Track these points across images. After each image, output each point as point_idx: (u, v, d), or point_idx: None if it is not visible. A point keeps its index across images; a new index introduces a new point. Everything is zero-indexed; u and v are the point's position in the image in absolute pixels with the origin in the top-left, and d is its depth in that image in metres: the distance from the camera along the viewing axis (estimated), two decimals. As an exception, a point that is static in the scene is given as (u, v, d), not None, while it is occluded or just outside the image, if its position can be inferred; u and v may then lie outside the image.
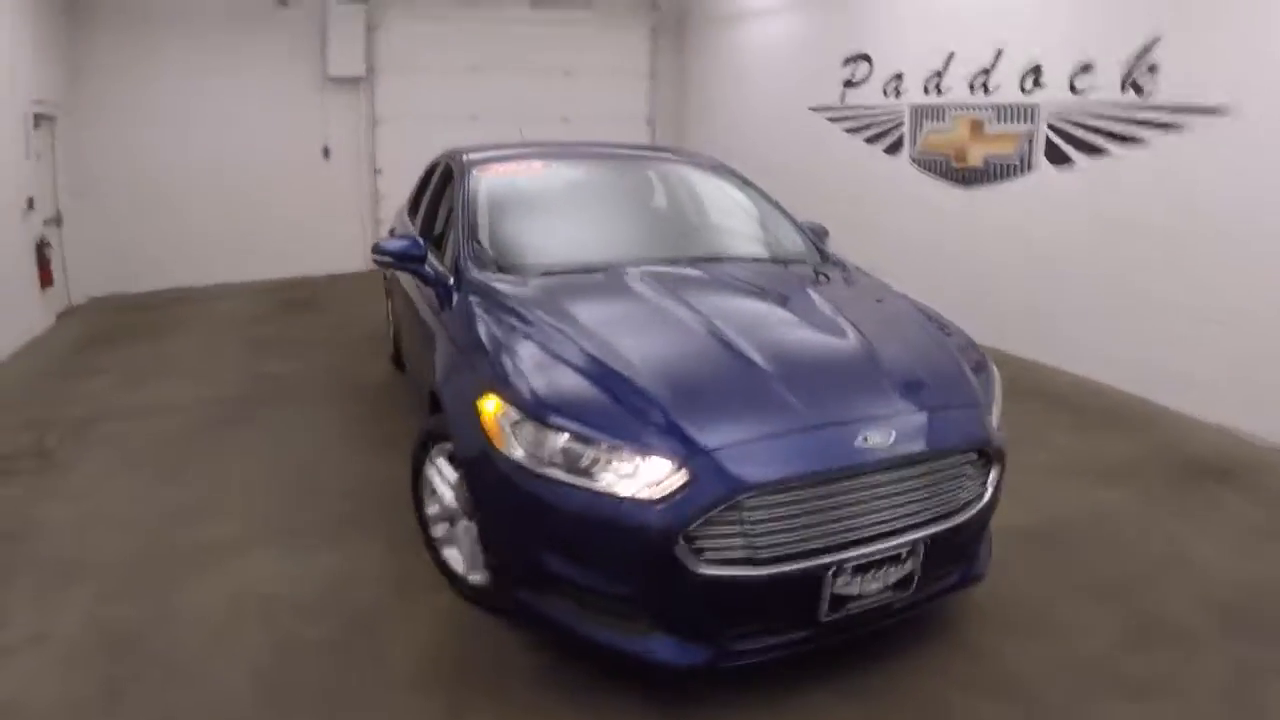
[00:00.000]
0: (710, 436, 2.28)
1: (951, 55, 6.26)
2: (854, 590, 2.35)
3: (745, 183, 4.29)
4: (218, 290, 8.38)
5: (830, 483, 2.31)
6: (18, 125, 6.57)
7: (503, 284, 3.20)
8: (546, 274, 3.29)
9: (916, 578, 2.46)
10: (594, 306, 2.99)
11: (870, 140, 7.19)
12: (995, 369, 3.04)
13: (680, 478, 2.22)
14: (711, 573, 2.20)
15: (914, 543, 2.41)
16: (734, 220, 4.13)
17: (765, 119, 8.73)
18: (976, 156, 6.16)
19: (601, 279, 3.25)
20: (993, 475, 2.66)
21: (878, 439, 2.38)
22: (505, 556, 2.55)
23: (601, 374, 2.49)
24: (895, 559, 2.39)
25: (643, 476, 2.24)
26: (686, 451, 2.25)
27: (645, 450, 2.26)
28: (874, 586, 2.38)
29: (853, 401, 2.51)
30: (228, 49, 8.38)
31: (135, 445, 4.59)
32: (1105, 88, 5.17)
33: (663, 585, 2.24)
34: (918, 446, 2.44)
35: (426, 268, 3.63)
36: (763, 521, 2.25)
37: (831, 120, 7.62)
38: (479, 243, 3.51)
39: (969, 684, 2.63)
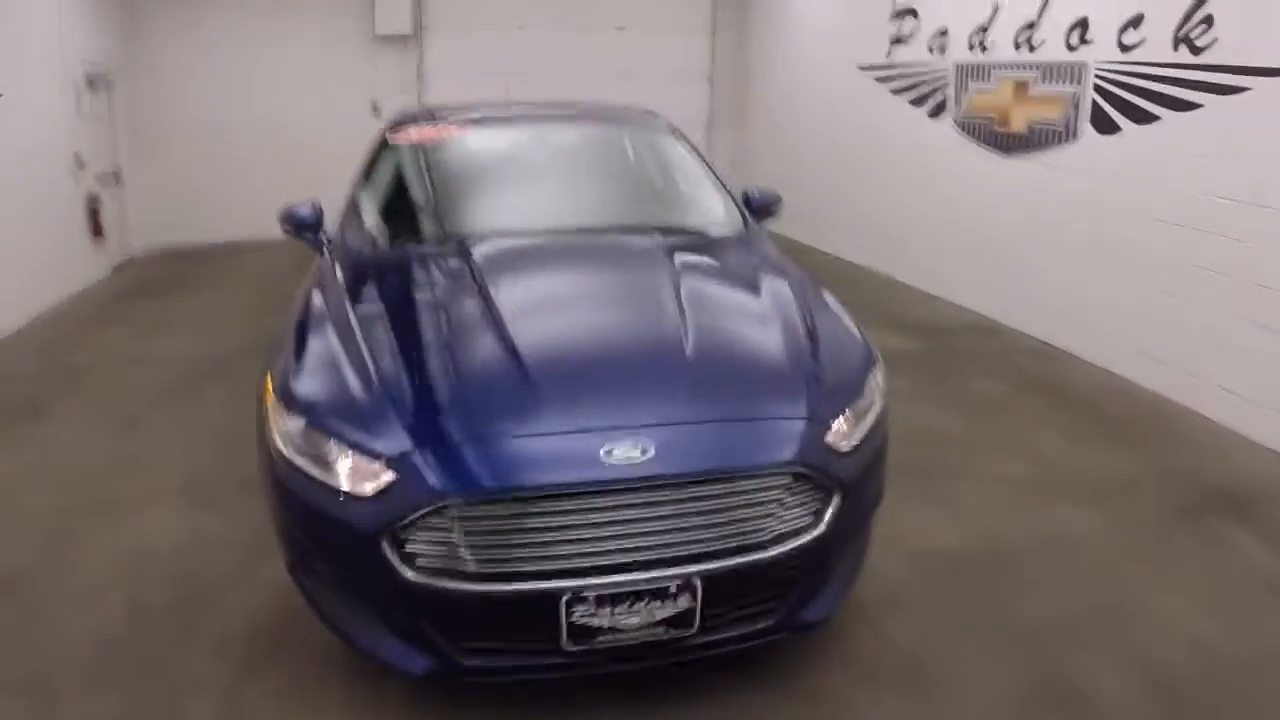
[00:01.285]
0: (424, 436, 2.09)
1: (997, 7, 5.59)
2: (602, 623, 2.04)
3: (690, 148, 3.95)
4: (268, 244, 8.60)
5: (560, 499, 2.03)
6: (68, 87, 6.92)
7: (353, 256, 3.13)
8: (402, 246, 3.22)
9: (698, 617, 2.11)
10: (401, 286, 2.90)
11: (915, 102, 6.58)
12: (877, 382, 2.55)
13: (388, 476, 2.04)
14: (421, 580, 2.01)
15: (685, 577, 2.06)
16: (654, 187, 3.81)
17: (815, 78, 8.22)
18: (1020, 121, 5.49)
19: (441, 253, 3.12)
20: (833, 506, 2.22)
21: (625, 453, 2.04)
22: (279, 535, 2.43)
23: (351, 363, 2.34)
24: (661, 593, 2.05)
25: (358, 472, 2.08)
26: (397, 450, 2.07)
27: (360, 445, 2.10)
28: (633, 621, 2.05)
29: (610, 408, 2.20)
30: (279, 8, 8.56)
31: (116, 396, 4.76)
32: (1156, 44, 4.44)
33: (377, 587, 2.09)
34: (687, 465, 2.09)
35: (320, 235, 3.48)
36: (479, 534, 2.01)
37: (879, 80, 7.02)
38: (357, 211, 3.40)
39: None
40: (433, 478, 2.01)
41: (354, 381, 2.27)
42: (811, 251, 8.17)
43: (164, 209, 8.49)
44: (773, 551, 2.13)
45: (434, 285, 2.89)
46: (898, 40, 6.74)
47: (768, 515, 2.15)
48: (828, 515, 2.21)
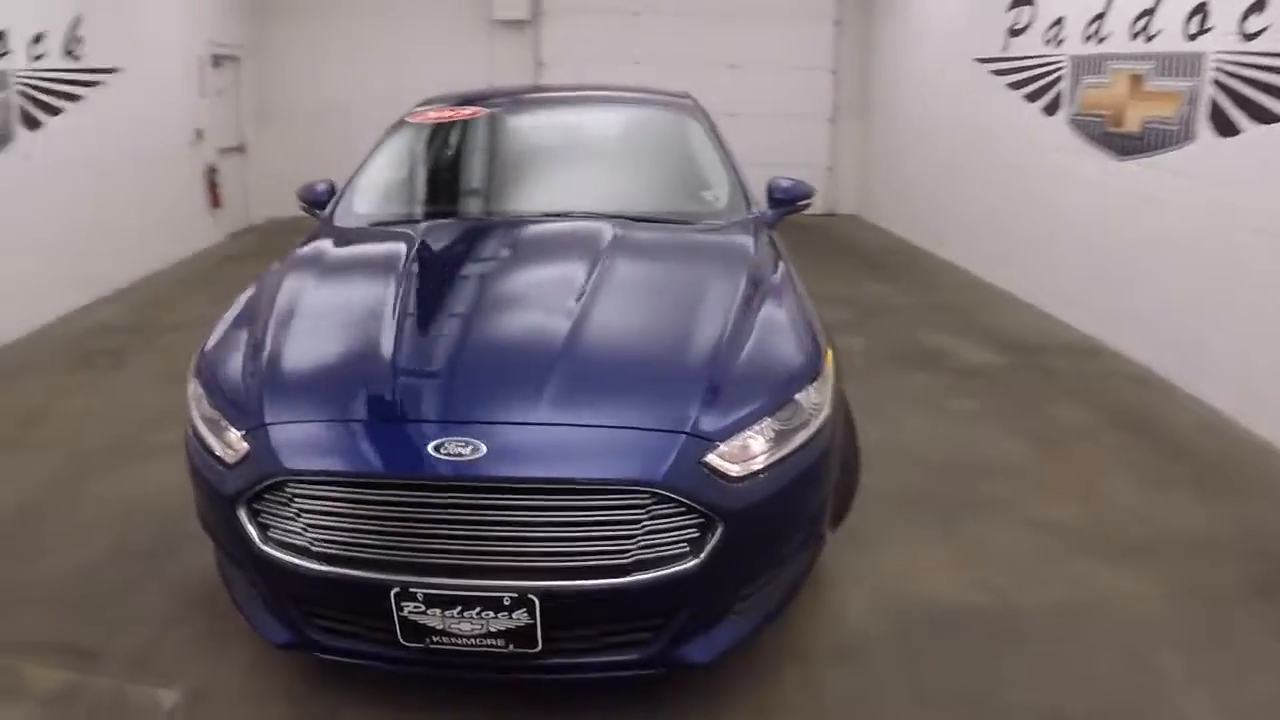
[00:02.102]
0: (277, 412, 2.08)
1: (1115, -10, 4.94)
2: (433, 624, 1.92)
3: (711, 134, 3.71)
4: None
5: (390, 489, 1.95)
6: (191, 65, 7.41)
7: (321, 233, 3.16)
8: (364, 224, 3.24)
9: (539, 636, 1.93)
10: (338, 264, 2.89)
11: (1030, 98, 5.96)
12: (813, 399, 2.18)
13: (244, 448, 2.06)
14: (269, 552, 2.01)
15: (520, 592, 1.89)
16: (654, 173, 3.62)
17: (933, 70, 7.68)
18: (1134, 119, 4.85)
19: (391, 233, 3.09)
20: (715, 538, 1.93)
21: (454, 449, 1.90)
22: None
23: (252, 338, 2.37)
24: (494, 604, 1.89)
25: (228, 442, 2.11)
26: (253, 423, 2.07)
27: (231, 417, 2.14)
28: (466, 628, 1.92)
29: (455, 401, 2.10)
30: None
31: (183, 354, 5.03)
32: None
33: (242, 554, 2.10)
34: (519, 469, 1.93)
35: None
36: (314, 513, 1.98)
37: (995, 74, 6.43)
38: (351, 187, 3.45)
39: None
40: (272, 453, 2.00)
41: (246, 356, 2.30)
42: (918, 253, 7.67)
43: (286, 182, 8.95)
44: (633, 578, 1.90)
45: (367, 264, 2.90)
46: (1015, 31, 6.13)
47: (625, 537, 1.91)
48: (708, 548, 1.93)
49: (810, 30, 9.30)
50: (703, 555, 1.93)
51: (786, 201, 3.49)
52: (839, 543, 2.78)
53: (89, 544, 3.05)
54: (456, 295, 2.61)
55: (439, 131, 3.79)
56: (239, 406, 2.15)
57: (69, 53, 5.83)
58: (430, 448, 1.92)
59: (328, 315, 2.49)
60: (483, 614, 1.90)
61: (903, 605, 2.71)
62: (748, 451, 2.01)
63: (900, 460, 3.66)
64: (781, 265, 2.85)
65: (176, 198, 7.26)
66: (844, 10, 9.30)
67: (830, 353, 2.39)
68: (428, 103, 4.00)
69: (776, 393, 2.13)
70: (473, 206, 3.41)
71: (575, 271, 2.56)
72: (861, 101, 9.33)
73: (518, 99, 4.07)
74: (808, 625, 2.56)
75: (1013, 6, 6.15)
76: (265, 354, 2.27)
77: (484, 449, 1.90)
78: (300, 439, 2.05)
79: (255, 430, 2.06)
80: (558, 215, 3.17)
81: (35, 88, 5.51)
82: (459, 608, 1.90)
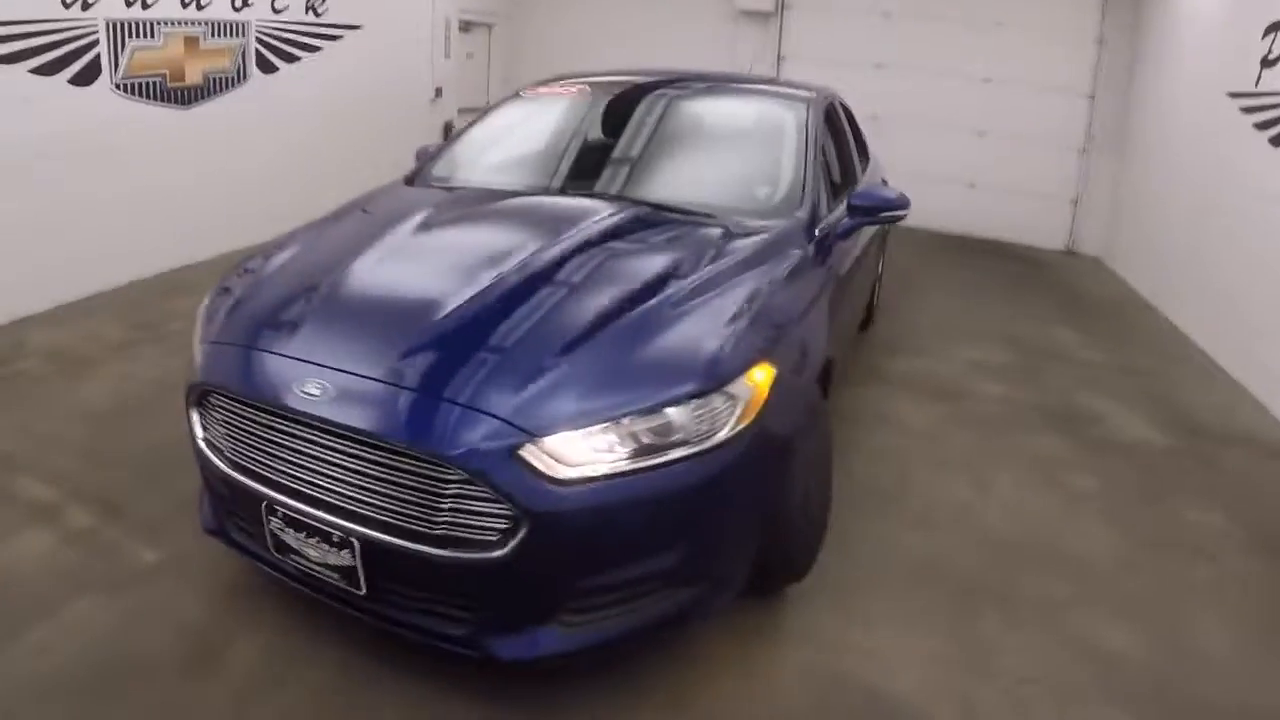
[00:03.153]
0: (219, 333, 2.36)
1: None
2: (291, 543, 2.09)
3: (806, 129, 3.45)
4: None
5: (265, 414, 2.12)
6: (439, 29, 8.12)
7: (389, 189, 3.44)
8: (424, 185, 3.46)
9: (363, 580, 2.02)
10: (372, 217, 3.02)
11: (1275, 141, 4.88)
12: (692, 417, 1.99)
13: (199, 355, 2.38)
14: (202, 448, 2.30)
15: (348, 533, 1.98)
16: (715, 167, 3.45)
17: (1186, 103, 6.50)
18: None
19: (420, 196, 3.24)
20: (520, 534, 1.86)
21: (312, 390, 2.02)
22: None
23: (261, 268, 2.67)
24: (329, 538, 2.02)
25: (193, 351, 2.45)
26: (210, 338, 2.38)
27: (201, 332, 2.46)
28: (311, 554, 2.07)
29: (326, 346, 2.17)
30: None
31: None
32: None
33: (194, 444, 2.37)
34: (348, 417, 1.97)
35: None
36: (221, 422, 2.25)
37: (1243, 111, 5.31)
38: (442, 152, 3.72)
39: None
40: (202, 365, 2.32)
41: (245, 282, 2.59)
42: (1141, 309, 6.59)
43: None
44: (440, 551, 1.92)
45: (371, 220, 2.98)
46: (1267, 62, 5.05)
47: (431, 508, 1.93)
48: (512, 543, 1.88)
49: (1069, 48, 8.21)
50: (506, 550, 1.88)
51: (863, 210, 3.22)
52: (799, 599, 2.60)
53: (113, 471, 3.21)
54: (404, 254, 2.66)
55: (541, 106, 3.90)
56: (210, 323, 2.45)
57: (311, 8, 6.69)
58: (295, 384, 2.06)
59: (309, 260, 2.65)
60: (320, 544, 2.04)
61: (837, 687, 2.36)
62: (580, 454, 1.91)
63: (957, 525, 3.24)
64: (798, 276, 2.62)
65: (412, 146, 8.07)
66: (1109, 28, 8.09)
67: (762, 379, 2.13)
68: (559, 78, 4.12)
69: (632, 401, 1.96)
70: (516, 178, 3.43)
71: (524, 247, 2.54)
72: (1118, 132, 8.11)
73: (636, 83, 4.07)
74: (716, 681, 2.35)
75: (1267, 32, 5.05)
76: (245, 284, 2.57)
77: (332, 392, 2.01)
78: (221, 358, 2.29)
79: (207, 342, 2.38)
80: (585, 195, 3.14)
81: (274, 38, 6.38)
82: (305, 533, 2.06)
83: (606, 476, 1.90)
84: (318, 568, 2.09)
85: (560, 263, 2.48)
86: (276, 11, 6.39)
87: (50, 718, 2.10)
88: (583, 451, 1.91)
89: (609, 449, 1.92)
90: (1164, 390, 4.85)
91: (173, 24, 5.53)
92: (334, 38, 7.02)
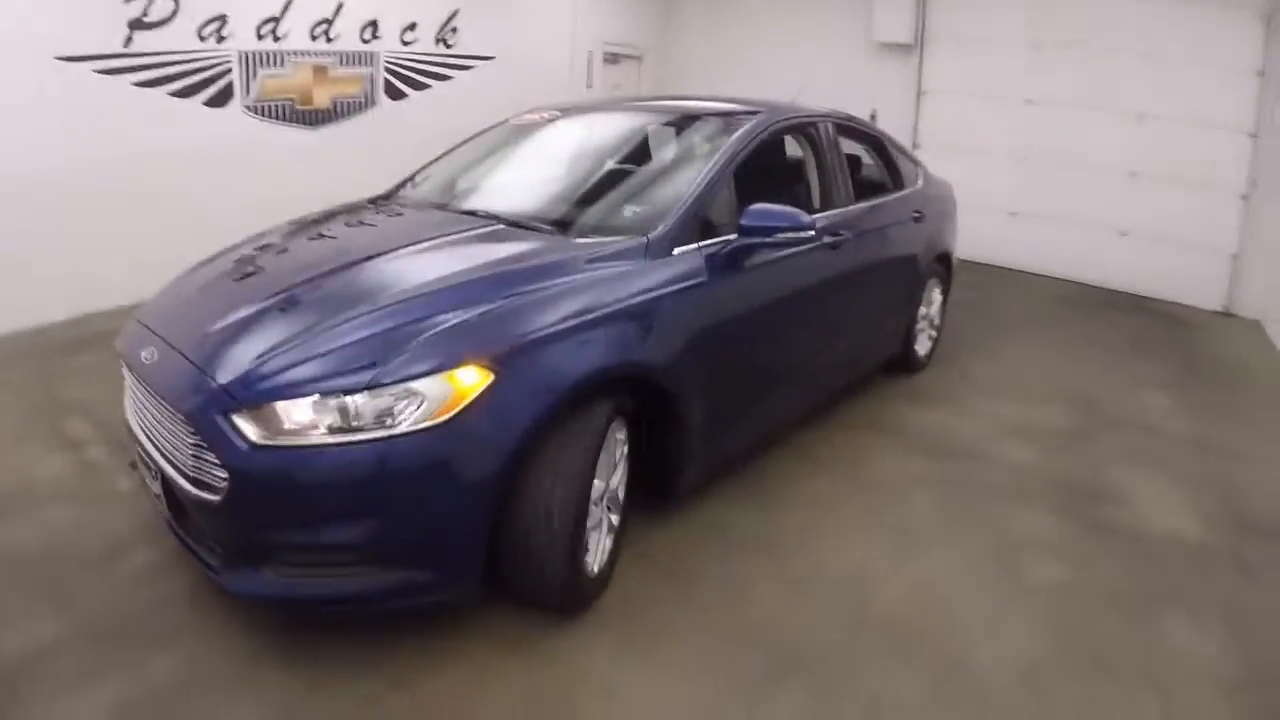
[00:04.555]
0: (143, 312, 2.86)
1: None
2: (144, 474, 2.65)
3: (735, 152, 3.33)
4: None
5: (129, 372, 2.68)
6: (580, 61, 8.62)
7: (358, 202, 3.70)
8: (392, 201, 3.72)
9: (166, 506, 2.49)
10: (307, 221, 3.42)
11: None
12: (351, 405, 2.16)
13: None
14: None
15: (157, 466, 2.44)
16: (607, 183, 3.47)
17: None
18: None
19: (374, 205, 3.59)
20: (225, 486, 2.19)
21: (149, 355, 2.51)
22: None
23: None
24: (149, 469, 2.54)
25: None
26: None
27: None
28: (149, 482, 2.60)
29: (177, 326, 2.60)
30: (789, 8, 8.93)
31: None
32: None
33: None
34: (156, 380, 2.43)
35: None
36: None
37: None
38: (421, 172, 4.03)
39: None
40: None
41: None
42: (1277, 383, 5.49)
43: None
44: (190, 488, 2.29)
45: (312, 224, 3.36)
46: None
47: (184, 453, 2.30)
48: (222, 493, 2.19)
49: (1228, 80, 6.99)
50: (220, 495, 2.19)
51: (752, 230, 3.05)
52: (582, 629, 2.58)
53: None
54: (289, 255, 3.01)
55: (510, 132, 4.07)
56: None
57: (441, 40, 7.33)
58: (142, 349, 2.55)
59: (243, 257, 3.02)
60: (149, 474, 2.57)
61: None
62: (279, 423, 2.14)
63: (834, 592, 2.90)
64: (596, 289, 2.61)
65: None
66: (1273, 59, 6.77)
67: (471, 381, 2.20)
68: (551, 106, 4.26)
69: (321, 384, 2.16)
70: (431, 195, 3.66)
71: (349, 252, 2.82)
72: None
73: (604, 109, 4.13)
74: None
75: None
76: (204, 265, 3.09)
77: (156, 359, 2.49)
78: (129, 329, 2.77)
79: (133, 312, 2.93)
80: (457, 210, 3.32)
81: (402, 67, 7.07)
82: (145, 465, 2.58)
83: (293, 446, 2.13)
84: (153, 495, 2.58)
85: (359, 264, 2.70)
86: (405, 44, 7.11)
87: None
88: (278, 420, 2.14)
89: (303, 422, 2.14)
90: (1239, 478, 4.02)
91: (302, 54, 6.34)
92: (465, 68, 7.65)
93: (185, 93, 5.64)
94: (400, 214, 3.42)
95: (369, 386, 2.14)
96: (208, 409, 2.19)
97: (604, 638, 2.61)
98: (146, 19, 5.29)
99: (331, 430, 2.12)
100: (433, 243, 2.93)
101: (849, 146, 4.42)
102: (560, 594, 2.50)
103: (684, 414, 2.86)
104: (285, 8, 6.08)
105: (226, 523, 2.25)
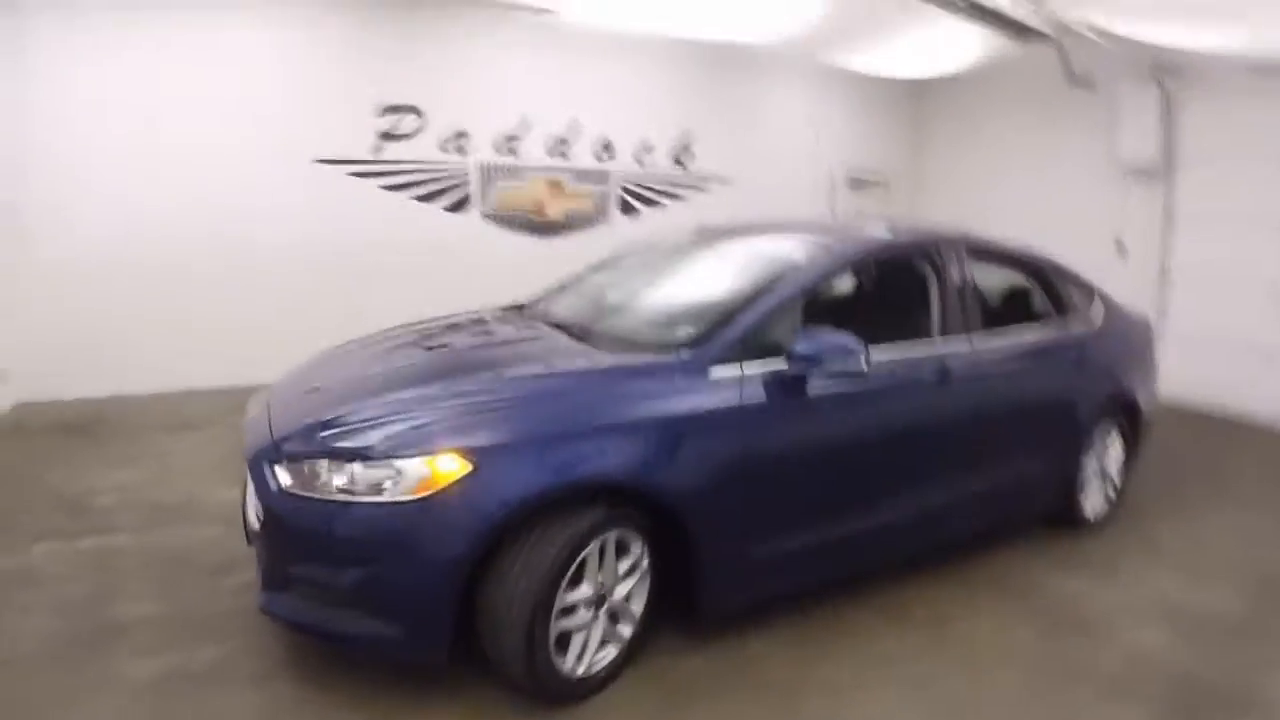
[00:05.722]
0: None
1: None
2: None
3: (806, 272, 3.28)
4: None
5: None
6: (823, 183, 8.80)
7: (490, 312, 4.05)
8: (515, 316, 3.90)
9: (248, 538, 3.01)
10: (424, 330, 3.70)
11: None
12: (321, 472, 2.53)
13: None
14: None
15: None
16: (680, 302, 3.59)
17: None
18: None
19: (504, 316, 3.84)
20: (263, 518, 2.66)
21: (252, 409, 3.15)
22: None
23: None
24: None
25: None
26: None
27: None
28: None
29: (283, 395, 3.10)
30: (1034, 132, 8.36)
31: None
32: None
33: None
34: (248, 430, 2.97)
35: None
36: None
37: None
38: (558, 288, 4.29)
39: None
40: None
41: None
42: None
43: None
44: (250, 517, 2.87)
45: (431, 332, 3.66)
46: None
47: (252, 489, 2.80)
48: (261, 522, 2.65)
49: None
50: (258, 527, 2.66)
51: (803, 358, 2.91)
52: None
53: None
54: (370, 356, 3.38)
55: (638, 255, 4.29)
56: None
57: (678, 161, 7.86)
58: (253, 407, 3.20)
59: (355, 348, 3.59)
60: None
61: None
62: (297, 478, 2.55)
63: None
64: (603, 396, 2.74)
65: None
66: None
67: (450, 469, 2.43)
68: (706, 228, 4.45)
69: (330, 451, 2.54)
70: (555, 307, 3.87)
71: (440, 344, 3.32)
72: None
73: (727, 231, 4.18)
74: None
75: None
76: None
77: (256, 414, 3.05)
78: (260, 395, 3.33)
79: None
80: (551, 325, 3.51)
81: (637, 185, 7.67)
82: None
83: (307, 496, 2.51)
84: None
85: (426, 353, 3.22)
86: (640, 164, 7.76)
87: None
88: (299, 475, 2.55)
89: (317, 481, 2.51)
90: None
91: (537, 170, 7.21)
92: (700, 189, 8.12)
93: (427, 198, 6.68)
94: (502, 320, 3.71)
95: (364, 458, 2.47)
96: (261, 457, 2.67)
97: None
98: (396, 132, 6.41)
99: (338, 490, 2.47)
100: (491, 346, 3.32)
101: (1004, 277, 4.11)
102: (525, 680, 2.56)
103: (697, 538, 2.76)
104: (524, 127, 6.99)
105: (263, 550, 2.68)
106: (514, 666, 2.53)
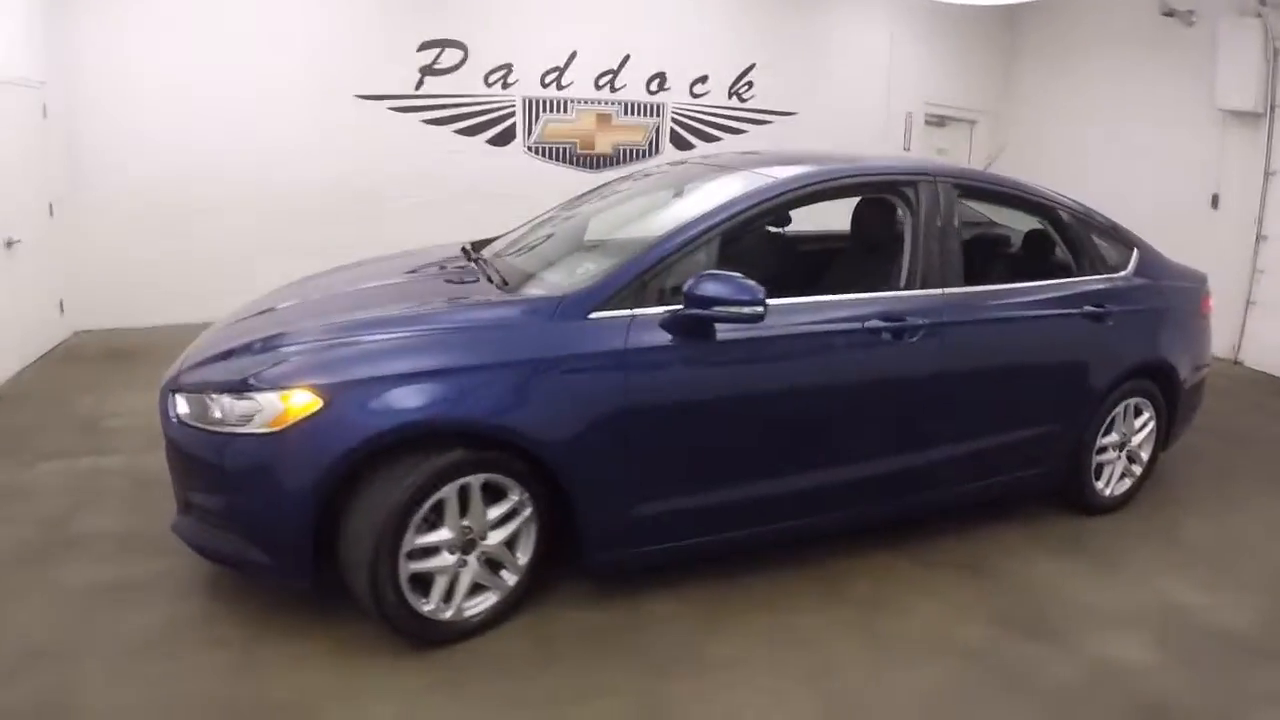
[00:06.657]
0: None
1: None
2: None
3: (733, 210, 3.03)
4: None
5: None
6: (897, 120, 8.18)
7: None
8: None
9: None
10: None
11: None
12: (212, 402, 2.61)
13: None
14: None
15: None
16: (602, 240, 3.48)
17: None
18: None
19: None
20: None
21: None
22: None
23: None
24: None
25: None
26: None
27: None
28: None
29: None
30: (1129, 70, 7.42)
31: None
32: None
33: None
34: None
35: None
36: None
37: None
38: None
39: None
40: None
41: None
42: None
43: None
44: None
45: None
46: None
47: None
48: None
49: None
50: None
51: (694, 300, 2.68)
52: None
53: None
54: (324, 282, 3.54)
55: (623, 184, 4.13)
56: None
57: (735, 94, 7.47)
58: None
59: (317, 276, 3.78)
60: None
61: None
62: (190, 408, 2.67)
63: None
64: (450, 340, 2.69)
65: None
66: None
67: (301, 403, 2.46)
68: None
69: (208, 384, 2.66)
70: (493, 256, 3.75)
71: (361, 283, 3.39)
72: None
73: (700, 169, 3.85)
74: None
75: None
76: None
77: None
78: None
79: None
80: (480, 262, 3.50)
81: (691, 118, 7.37)
82: None
83: (193, 426, 2.64)
84: None
85: (336, 296, 3.25)
86: (695, 96, 7.45)
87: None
88: (191, 404, 2.67)
89: (200, 409, 2.63)
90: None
91: (585, 103, 7.04)
92: (761, 122, 7.75)
93: (470, 131, 6.66)
94: (457, 258, 3.64)
95: (233, 390, 2.57)
96: (165, 388, 2.80)
97: (414, 681, 2.56)
98: (437, 66, 6.37)
99: (214, 420, 2.58)
100: (397, 283, 3.35)
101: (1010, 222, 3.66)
102: (376, 616, 2.58)
103: (570, 487, 2.67)
104: (570, 59, 6.81)
105: (172, 475, 2.82)
106: (363, 602, 2.57)
